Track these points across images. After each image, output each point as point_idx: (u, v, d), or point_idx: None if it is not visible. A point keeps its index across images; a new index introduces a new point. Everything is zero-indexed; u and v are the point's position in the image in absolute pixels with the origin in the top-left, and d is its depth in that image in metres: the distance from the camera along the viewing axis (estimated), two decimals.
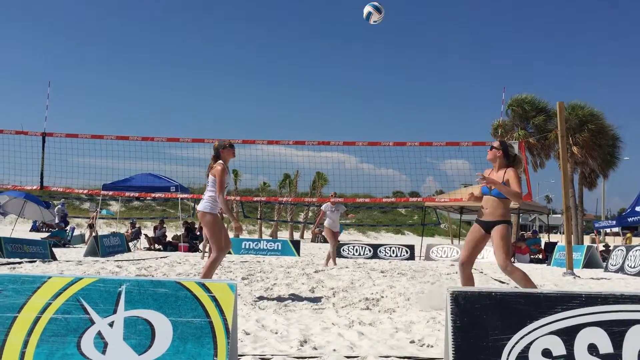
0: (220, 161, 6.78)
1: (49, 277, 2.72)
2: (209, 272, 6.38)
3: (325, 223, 12.86)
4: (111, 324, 2.61)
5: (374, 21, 9.69)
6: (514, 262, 17.87)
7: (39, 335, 2.60)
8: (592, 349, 2.50)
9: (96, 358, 2.56)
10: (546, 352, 2.52)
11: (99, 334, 2.59)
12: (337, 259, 12.93)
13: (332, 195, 13.27)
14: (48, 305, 2.65)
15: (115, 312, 2.63)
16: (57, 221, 24.12)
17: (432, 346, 4.49)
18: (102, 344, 2.58)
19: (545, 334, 2.53)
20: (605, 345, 2.49)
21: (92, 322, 2.61)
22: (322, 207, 13.05)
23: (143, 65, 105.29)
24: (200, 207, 6.61)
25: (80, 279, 2.70)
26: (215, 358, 2.53)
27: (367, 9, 9.58)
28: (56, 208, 24.53)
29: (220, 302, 2.63)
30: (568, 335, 2.52)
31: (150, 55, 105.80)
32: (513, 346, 2.52)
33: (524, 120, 29.25)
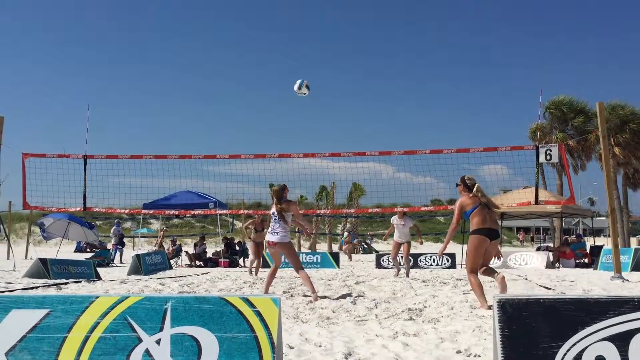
0: (290, 200, 8.22)
1: (97, 297, 2.76)
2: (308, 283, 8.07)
3: (394, 236, 12.95)
4: (158, 342, 2.63)
5: (303, 93, 11.29)
6: (558, 267, 17.52)
7: (89, 355, 2.64)
8: None
9: None
10: (600, 359, 2.45)
11: (147, 351, 2.62)
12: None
13: (399, 212, 13.26)
14: (97, 324, 2.69)
15: (161, 329, 2.66)
16: (114, 242, 24.51)
17: (479, 356, 4.42)
18: None
19: (598, 340, 2.46)
20: None
21: (140, 340, 2.64)
22: (391, 220, 13.17)
23: (175, 83, 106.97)
24: (276, 239, 8.03)
25: (127, 297, 2.74)
26: None
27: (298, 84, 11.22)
28: (112, 229, 24.97)
29: (265, 317, 2.63)
30: (622, 340, 2.45)
31: (180, 71, 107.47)
32: (565, 354, 2.46)
33: (562, 122, 28.77)
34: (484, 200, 7.00)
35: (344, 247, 25.65)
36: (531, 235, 56.99)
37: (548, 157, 10.95)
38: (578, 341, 2.47)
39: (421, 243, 13.44)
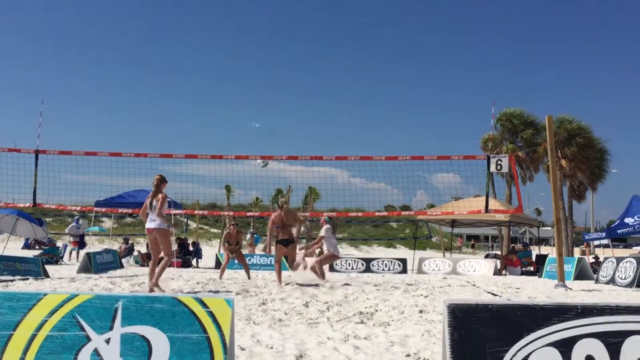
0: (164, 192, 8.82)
1: (45, 294, 2.70)
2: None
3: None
4: (108, 341, 2.59)
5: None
6: (505, 275, 17.95)
7: (35, 354, 2.58)
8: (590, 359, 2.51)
9: None
10: None
11: (96, 351, 2.58)
12: (329, 273, 12.77)
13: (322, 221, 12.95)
14: (44, 322, 2.63)
15: (111, 328, 2.62)
16: (73, 240, 23.59)
17: (427, 359, 4.49)
18: None
19: (543, 346, 2.54)
20: (602, 357, 2.51)
21: (89, 339, 2.60)
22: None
23: (134, 77, 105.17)
24: (155, 225, 8.55)
25: (76, 295, 2.69)
26: None
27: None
28: (69, 227, 23.96)
29: (218, 318, 2.62)
30: (565, 346, 2.53)
31: (138, 64, 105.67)
32: (511, 358, 2.53)
33: (512, 134, 29.49)
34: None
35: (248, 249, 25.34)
36: (472, 242, 58.14)
37: (499, 167, 11.21)
38: (524, 346, 2.54)
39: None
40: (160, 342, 2.59)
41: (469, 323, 2.59)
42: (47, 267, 14.65)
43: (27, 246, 32.94)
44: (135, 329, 2.62)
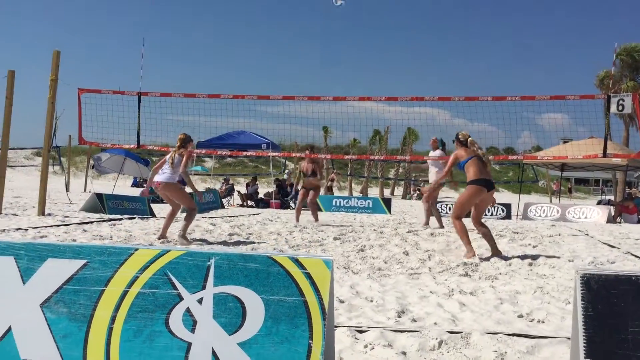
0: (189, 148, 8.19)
1: (136, 249, 2.57)
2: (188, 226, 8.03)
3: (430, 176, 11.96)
4: (200, 301, 2.43)
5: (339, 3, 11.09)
6: (620, 223, 16.78)
7: (127, 311, 2.46)
8: None
9: (185, 336, 2.39)
10: None
11: (188, 310, 2.43)
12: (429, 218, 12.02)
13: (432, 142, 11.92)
14: (135, 278, 2.50)
15: (204, 287, 2.45)
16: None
17: (542, 321, 4.12)
18: (191, 322, 2.41)
19: None
20: None
21: (181, 298, 2.44)
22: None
23: (231, 24, 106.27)
24: (162, 178, 7.90)
25: (168, 251, 2.54)
26: (310, 341, 2.31)
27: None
28: None
29: (316, 280, 2.38)
30: None
31: (235, 14, 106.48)
32: None
33: (633, 70, 27.16)
34: (479, 152, 7.20)
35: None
36: (569, 186, 54.22)
37: (620, 108, 10.21)
38: None
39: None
40: (254, 304, 2.40)
41: (608, 297, 2.21)
42: (153, 205, 15.24)
43: (135, 184, 34.68)
44: (228, 289, 2.44)
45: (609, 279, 2.23)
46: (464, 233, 7.07)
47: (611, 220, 17.09)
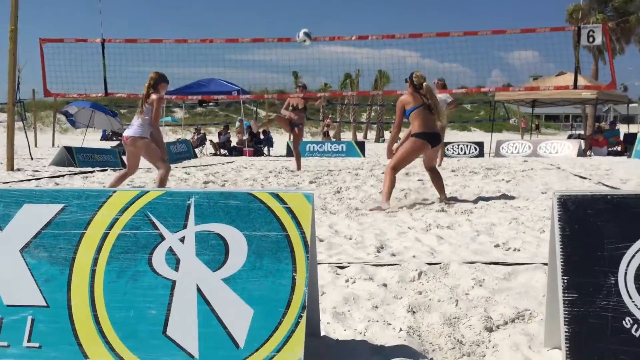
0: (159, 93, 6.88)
1: (114, 191, 2.54)
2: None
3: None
4: (182, 240, 2.43)
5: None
6: (590, 156, 17.11)
7: (109, 252, 2.45)
8: None
9: (169, 275, 2.40)
10: None
11: (170, 250, 2.42)
12: None
13: (436, 83, 11.79)
14: (115, 220, 2.48)
15: (185, 226, 2.44)
16: None
17: (518, 250, 4.22)
18: (174, 261, 2.41)
19: None
20: None
21: (163, 238, 2.43)
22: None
23: None
24: (130, 132, 6.74)
25: (147, 192, 2.51)
26: (294, 274, 2.33)
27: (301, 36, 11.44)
28: None
29: (297, 214, 2.39)
30: None
31: None
32: (633, 255, 2.20)
33: (602, 3, 27.15)
34: (428, 102, 6.37)
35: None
36: (537, 123, 54.43)
37: (590, 40, 10.23)
38: None
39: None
40: (237, 240, 2.41)
41: (584, 217, 2.26)
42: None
43: (105, 137, 34.17)
44: (210, 227, 2.43)
45: (585, 199, 2.27)
46: (389, 186, 6.33)
47: (582, 153, 17.41)
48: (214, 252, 2.39)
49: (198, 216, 2.43)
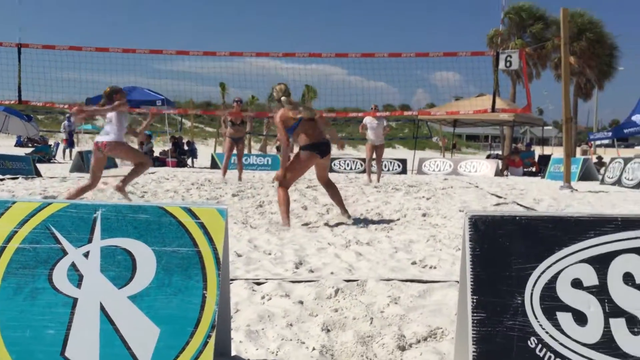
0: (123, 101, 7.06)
1: (14, 202, 2.38)
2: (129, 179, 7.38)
3: (368, 138, 12.44)
4: (86, 255, 2.30)
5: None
6: (507, 175, 17.77)
7: (5, 268, 2.30)
8: (628, 278, 2.23)
9: (70, 292, 2.27)
10: (576, 283, 2.25)
11: (73, 265, 2.29)
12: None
13: (373, 108, 12.62)
14: (14, 233, 2.33)
15: (90, 241, 2.32)
16: (64, 137, 23.46)
17: (434, 267, 4.28)
18: (77, 277, 2.28)
19: (575, 262, 2.25)
20: None
21: (65, 253, 2.30)
22: (365, 121, 12.51)
23: None
24: (110, 138, 6.89)
25: (50, 204, 2.37)
26: (204, 292, 2.26)
27: None
28: (62, 124, 23.70)
29: (209, 230, 2.32)
30: (601, 263, 2.25)
31: None
32: (539, 276, 2.25)
33: (521, 29, 28.43)
34: (305, 115, 6.08)
35: None
36: (454, 142, 57.08)
37: (508, 64, 10.67)
38: (555, 262, 2.26)
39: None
40: (145, 256, 2.31)
41: (494, 237, 2.30)
42: (39, 165, 14.41)
43: (19, 144, 32.61)
44: (116, 242, 2.32)
45: (495, 219, 2.31)
46: (284, 203, 6.09)
47: (499, 173, 18.06)
48: (120, 268, 2.29)
49: (105, 230, 2.32)
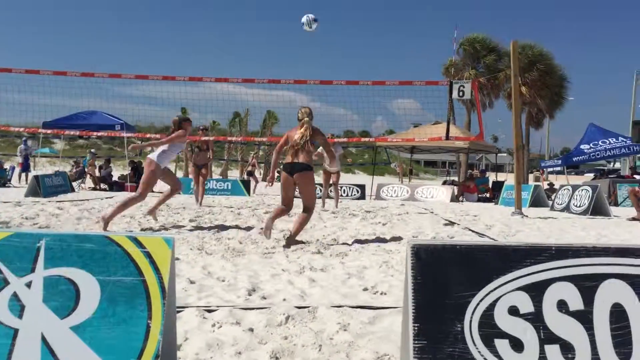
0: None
1: None
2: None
3: (324, 165, 12.56)
4: (29, 284, 2.28)
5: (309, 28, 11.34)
6: (462, 201, 18.08)
7: None
8: (562, 305, 2.32)
9: (11, 323, 2.24)
10: (513, 310, 2.33)
11: (15, 295, 2.27)
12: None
13: (329, 136, 12.82)
14: None
15: (33, 270, 2.30)
16: (20, 161, 22.95)
17: (385, 293, 4.33)
18: (18, 307, 2.26)
19: (512, 290, 2.33)
20: (576, 302, 2.32)
21: (6, 283, 2.28)
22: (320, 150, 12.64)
23: None
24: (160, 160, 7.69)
25: None
26: (149, 321, 2.26)
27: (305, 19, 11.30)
28: (19, 148, 23.16)
29: (155, 259, 2.33)
30: (536, 291, 2.33)
31: None
32: (478, 303, 2.32)
33: (475, 59, 29.25)
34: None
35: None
36: (410, 168, 58.32)
37: (461, 93, 10.95)
38: (492, 290, 2.34)
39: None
40: (89, 286, 2.30)
41: (435, 265, 2.36)
42: None
43: None
44: (60, 271, 2.31)
45: (437, 248, 2.38)
46: (274, 212, 7.02)
47: (454, 199, 18.37)
48: (63, 298, 2.27)
49: (48, 259, 2.31)
